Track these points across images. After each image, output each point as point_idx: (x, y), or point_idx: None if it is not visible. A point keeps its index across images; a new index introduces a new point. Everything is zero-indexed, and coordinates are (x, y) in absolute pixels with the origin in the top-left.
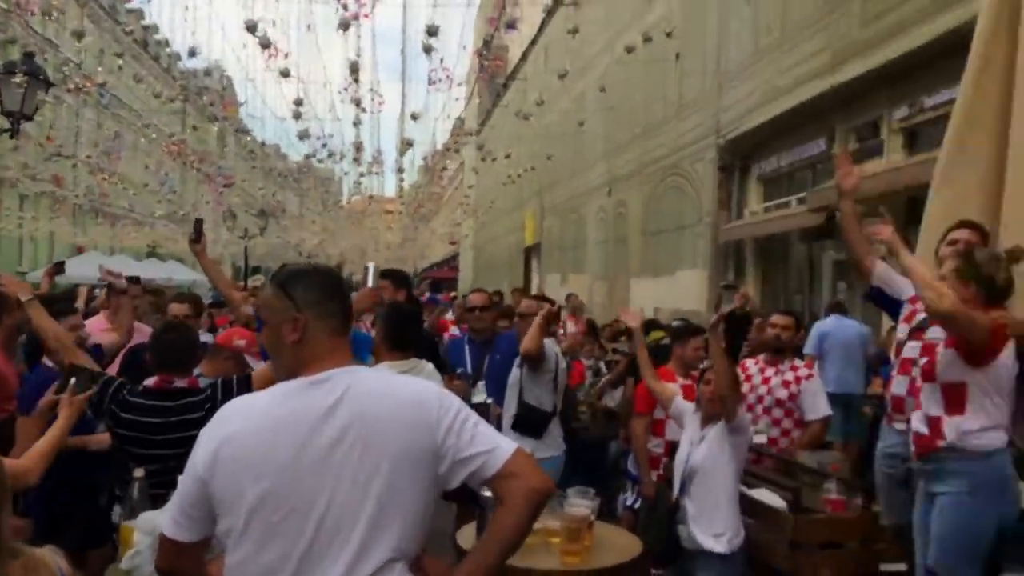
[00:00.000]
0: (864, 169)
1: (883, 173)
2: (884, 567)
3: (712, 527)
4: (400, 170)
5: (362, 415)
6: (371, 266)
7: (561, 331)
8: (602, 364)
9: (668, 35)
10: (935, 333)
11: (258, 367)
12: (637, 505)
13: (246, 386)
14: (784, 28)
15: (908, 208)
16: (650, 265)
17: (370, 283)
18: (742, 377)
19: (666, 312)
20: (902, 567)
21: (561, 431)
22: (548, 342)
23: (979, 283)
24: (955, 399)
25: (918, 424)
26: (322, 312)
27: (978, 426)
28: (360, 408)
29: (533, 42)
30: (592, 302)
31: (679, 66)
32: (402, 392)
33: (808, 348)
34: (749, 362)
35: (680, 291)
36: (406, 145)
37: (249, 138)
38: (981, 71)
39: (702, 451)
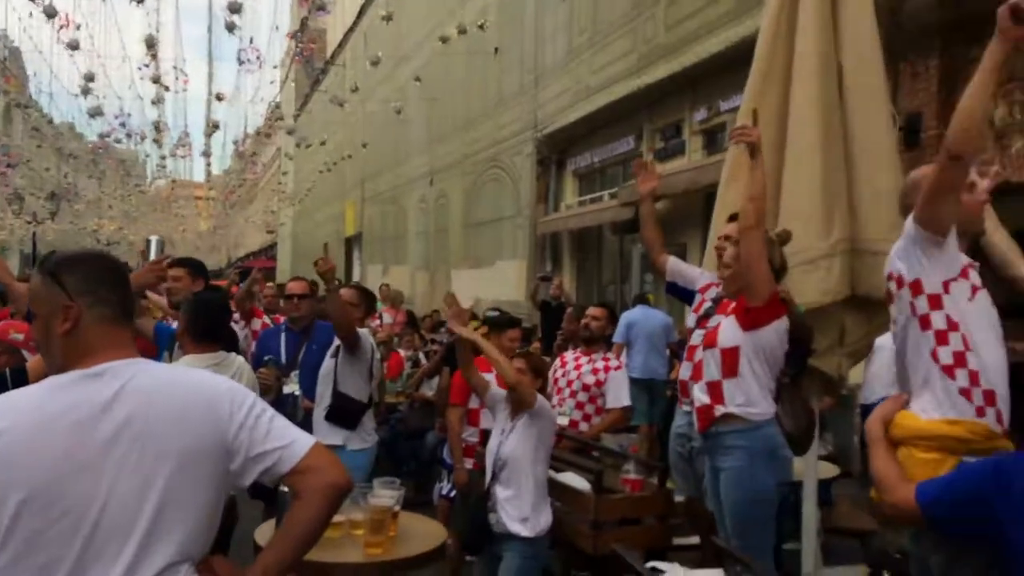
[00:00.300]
0: (668, 167)
1: (685, 171)
2: (677, 540)
3: (519, 512)
4: (207, 153)
5: (143, 410)
6: (153, 239)
7: (377, 322)
8: (421, 355)
9: (481, 27)
10: (718, 320)
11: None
12: (452, 494)
13: (21, 380)
14: (595, 28)
15: (707, 204)
16: (471, 256)
17: (152, 256)
18: (558, 364)
19: (487, 302)
20: (694, 540)
21: (374, 423)
22: (363, 332)
23: None
24: (730, 363)
25: (699, 395)
26: (97, 300)
27: (749, 390)
28: (141, 403)
29: (352, 27)
30: (414, 293)
31: (498, 60)
32: (189, 385)
33: (616, 336)
34: (568, 353)
35: (500, 281)
36: (213, 127)
37: (37, 114)
38: (764, 76)
39: (511, 441)
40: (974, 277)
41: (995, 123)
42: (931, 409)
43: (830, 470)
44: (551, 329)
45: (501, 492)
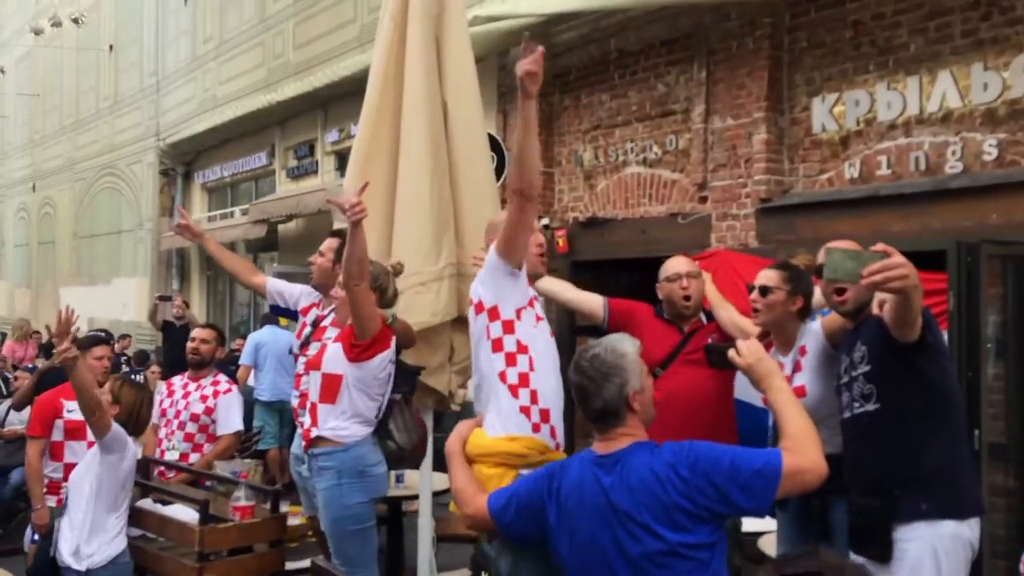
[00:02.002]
0: (301, 187)
1: (318, 191)
2: (290, 565)
3: (73, 542)
4: None
5: None
6: None
7: None
8: (1, 384)
9: (75, 22)
10: (323, 343)
11: None
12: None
13: None
14: (222, 37)
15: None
16: (84, 272)
17: None
18: (164, 392)
19: (103, 323)
20: (306, 563)
21: None
22: None
23: (375, 291)
24: (330, 388)
25: (305, 416)
26: None
27: (342, 415)
28: None
29: None
30: (13, 312)
31: (114, 59)
32: None
33: (244, 358)
34: (176, 378)
35: (118, 300)
36: None
37: None
38: (377, 111)
39: (81, 469)
40: (538, 307)
41: (584, 164)
42: (496, 425)
43: (447, 480)
44: (176, 351)
45: (64, 521)
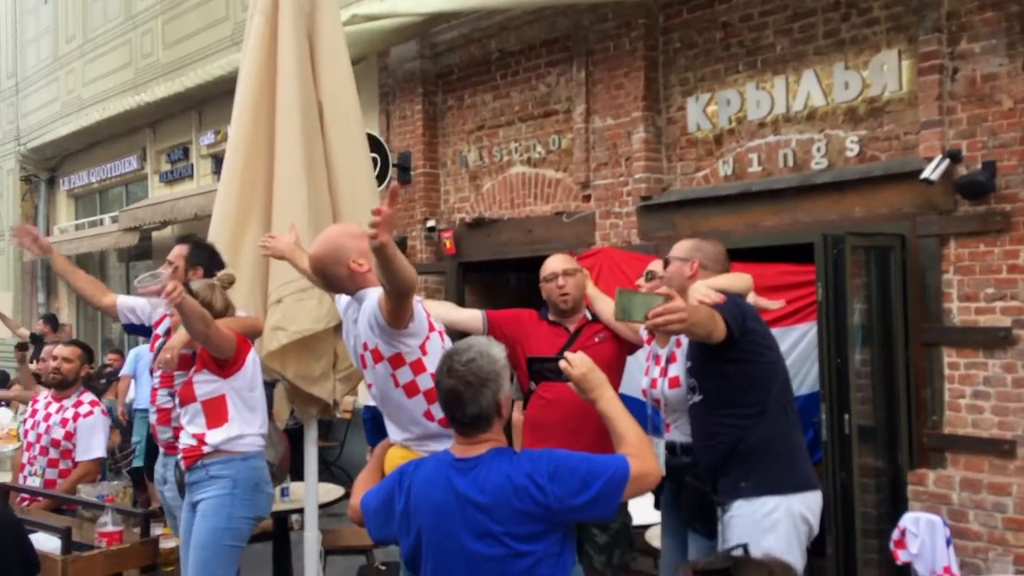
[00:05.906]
0: (176, 191)
1: (194, 196)
2: None
3: None
4: None
5: None
6: None
7: None
8: None
9: None
10: (184, 376)
11: None
12: None
13: None
14: (86, 37)
15: None
16: None
17: None
18: (29, 412)
19: None
20: None
21: None
22: None
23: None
24: (217, 412)
25: (185, 439)
26: None
27: (238, 432)
28: None
29: None
30: None
31: None
32: None
33: (126, 368)
34: (41, 396)
35: None
36: None
37: None
38: (254, 112)
39: None
40: (438, 324)
41: (469, 165)
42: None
43: (334, 491)
44: None
45: None
